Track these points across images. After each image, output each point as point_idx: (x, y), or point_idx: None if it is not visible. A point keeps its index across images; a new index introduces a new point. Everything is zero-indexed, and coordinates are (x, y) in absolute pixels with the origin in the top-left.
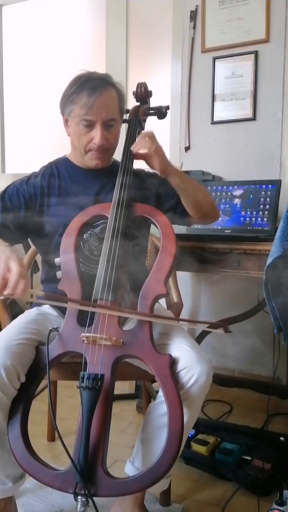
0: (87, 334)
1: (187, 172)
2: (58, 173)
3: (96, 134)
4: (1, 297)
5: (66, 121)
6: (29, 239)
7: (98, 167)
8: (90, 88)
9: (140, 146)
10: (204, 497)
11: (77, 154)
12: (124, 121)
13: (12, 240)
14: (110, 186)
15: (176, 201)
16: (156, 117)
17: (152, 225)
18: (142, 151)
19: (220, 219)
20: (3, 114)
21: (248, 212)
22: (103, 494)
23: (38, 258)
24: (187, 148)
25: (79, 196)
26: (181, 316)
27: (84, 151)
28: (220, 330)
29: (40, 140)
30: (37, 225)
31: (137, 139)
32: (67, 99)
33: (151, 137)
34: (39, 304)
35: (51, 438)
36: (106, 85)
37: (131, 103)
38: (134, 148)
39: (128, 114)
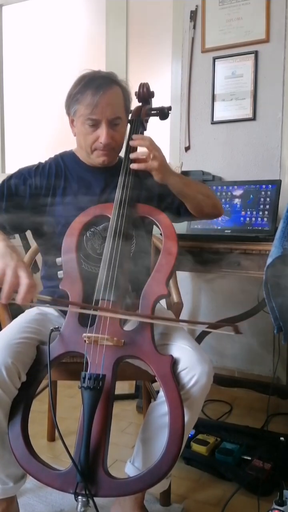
0: (89, 334)
1: (187, 173)
2: (65, 166)
3: (102, 133)
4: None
5: (72, 121)
6: (33, 239)
7: (105, 164)
8: (94, 87)
9: (138, 154)
10: (204, 497)
11: (83, 153)
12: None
13: (11, 230)
14: (115, 184)
15: (179, 200)
16: (158, 117)
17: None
18: (141, 155)
19: (221, 218)
20: (3, 114)
21: (248, 212)
22: (103, 494)
23: (38, 257)
24: (187, 148)
25: (84, 193)
26: (181, 316)
27: (90, 150)
28: (229, 331)
29: (40, 140)
30: (39, 220)
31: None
32: (72, 99)
33: (151, 143)
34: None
35: (51, 438)
36: (110, 84)
37: (133, 103)
38: (133, 155)
39: (130, 115)
